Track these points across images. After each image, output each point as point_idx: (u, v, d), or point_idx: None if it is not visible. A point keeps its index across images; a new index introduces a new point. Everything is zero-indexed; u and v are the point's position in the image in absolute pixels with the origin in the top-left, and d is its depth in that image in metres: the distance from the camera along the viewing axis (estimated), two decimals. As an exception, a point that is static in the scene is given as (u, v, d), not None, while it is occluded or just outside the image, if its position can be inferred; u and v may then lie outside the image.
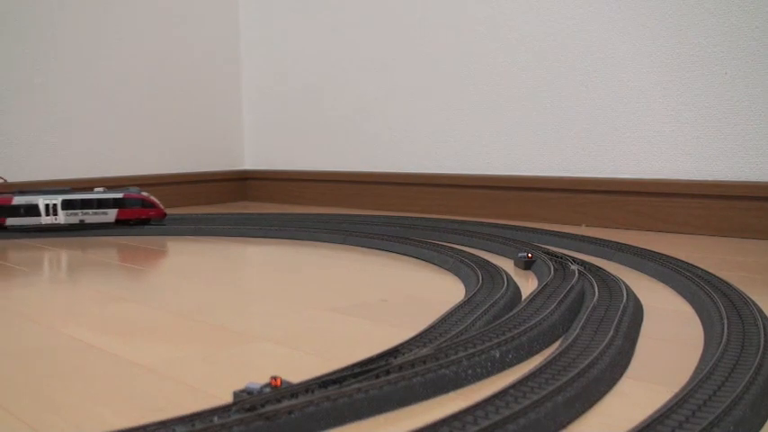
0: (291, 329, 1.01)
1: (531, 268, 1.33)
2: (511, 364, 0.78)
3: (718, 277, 1.14)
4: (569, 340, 0.80)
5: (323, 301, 1.20)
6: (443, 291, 1.22)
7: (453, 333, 0.86)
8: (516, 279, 1.21)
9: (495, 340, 0.80)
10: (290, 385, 0.65)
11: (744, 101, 1.70)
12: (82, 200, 1.95)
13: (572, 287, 1.04)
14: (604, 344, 0.78)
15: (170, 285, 1.35)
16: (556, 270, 1.18)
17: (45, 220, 1.93)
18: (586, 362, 0.72)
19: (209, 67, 2.82)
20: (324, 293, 1.27)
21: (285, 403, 0.62)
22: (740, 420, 0.59)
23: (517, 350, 0.80)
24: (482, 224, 1.86)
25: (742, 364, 0.71)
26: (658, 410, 0.60)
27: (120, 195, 1.98)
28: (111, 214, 1.97)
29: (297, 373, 0.70)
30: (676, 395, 0.64)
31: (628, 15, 1.86)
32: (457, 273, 1.33)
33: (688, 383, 0.68)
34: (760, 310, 0.91)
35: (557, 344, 0.85)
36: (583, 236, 1.60)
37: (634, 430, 0.56)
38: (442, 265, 1.41)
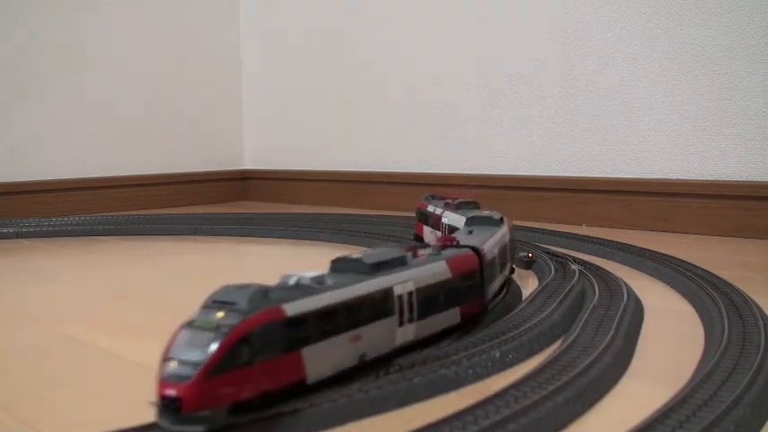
0: (291, 329, 1.00)
1: (532, 268, 1.33)
2: (511, 364, 0.78)
3: (718, 277, 1.14)
4: (569, 340, 0.80)
5: (323, 301, 1.20)
6: (444, 290, 1.22)
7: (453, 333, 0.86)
8: (516, 279, 1.20)
9: (495, 340, 0.80)
10: (290, 385, 0.65)
11: (744, 100, 1.69)
12: None
13: (572, 287, 1.04)
14: (604, 344, 0.78)
15: (170, 285, 1.35)
16: (556, 270, 1.18)
17: None
18: (586, 362, 0.72)
19: (209, 67, 2.82)
20: (324, 293, 1.27)
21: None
22: (740, 420, 0.59)
23: (517, 350, 0.80)
24: (482, 224, 1.85)
25: (742, 364, 0.71)
26: (658, 410, 0.60)
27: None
28: None
29: (297, 373, 0.69)
30: (677, 395, 0.64)
31: (628, 15, 1.86)
32: (457, 272, 1.32)
33: (688, 383, 0.68)
34: (760, 310, 0.91)
35: (557, 344, 0.85)
36: (583, 235, 1.59)
37: (634, 430, 0.56)
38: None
